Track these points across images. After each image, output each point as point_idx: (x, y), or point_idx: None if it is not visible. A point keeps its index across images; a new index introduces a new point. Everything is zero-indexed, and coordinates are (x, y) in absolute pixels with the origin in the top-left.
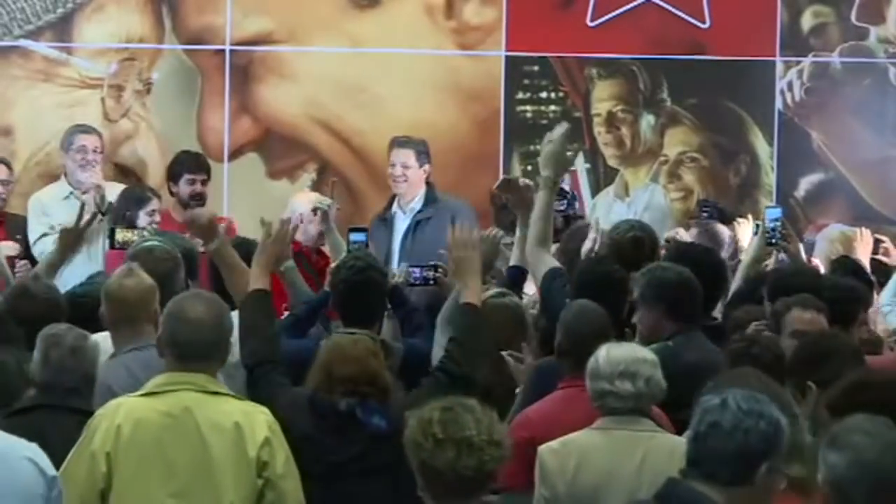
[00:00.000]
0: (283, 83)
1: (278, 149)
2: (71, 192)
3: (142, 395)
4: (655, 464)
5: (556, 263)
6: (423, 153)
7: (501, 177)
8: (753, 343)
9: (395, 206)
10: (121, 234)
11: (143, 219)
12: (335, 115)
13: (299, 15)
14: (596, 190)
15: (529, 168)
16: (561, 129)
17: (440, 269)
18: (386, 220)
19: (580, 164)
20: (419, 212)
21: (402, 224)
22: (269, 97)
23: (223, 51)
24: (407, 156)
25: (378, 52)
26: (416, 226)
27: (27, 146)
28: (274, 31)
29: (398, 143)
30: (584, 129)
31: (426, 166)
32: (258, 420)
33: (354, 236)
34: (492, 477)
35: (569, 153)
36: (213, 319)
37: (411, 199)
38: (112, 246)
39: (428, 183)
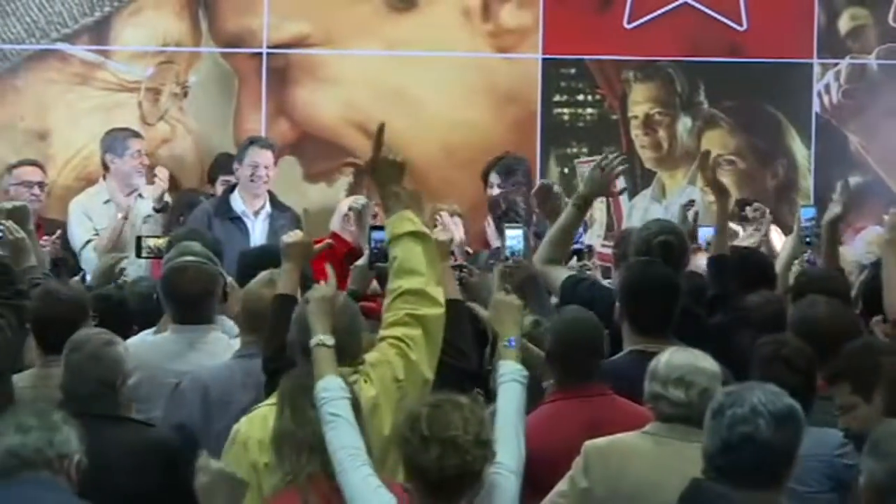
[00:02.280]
0: (319, 86)
1: (315, 152)
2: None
3: None
4: None
5: (568, 271)
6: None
7: (539, 181)
8: (783, 345)
9: (241, 207)
10: (149, 242)
11: None
12: (372, 117)
13: (336, 17)
14: (633, 193)
15: (566, 171)
16: (615, 160)
17: (465, 270)
18: (233, 218)
19: None
20: (273, 217)
21: (257, 227)
22: (306, 100)
23: (260, 54)
24: (269, 158)
25: (414, 54)
26: (275, 231)
27: (64, 150)
28: (311, 34)
29: (260, 143)
30: (620, 131)
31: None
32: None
33: (377, 234)
34: (478, 477)
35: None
36: (344, 323)
37: (262, 203)
38: (139, 255)
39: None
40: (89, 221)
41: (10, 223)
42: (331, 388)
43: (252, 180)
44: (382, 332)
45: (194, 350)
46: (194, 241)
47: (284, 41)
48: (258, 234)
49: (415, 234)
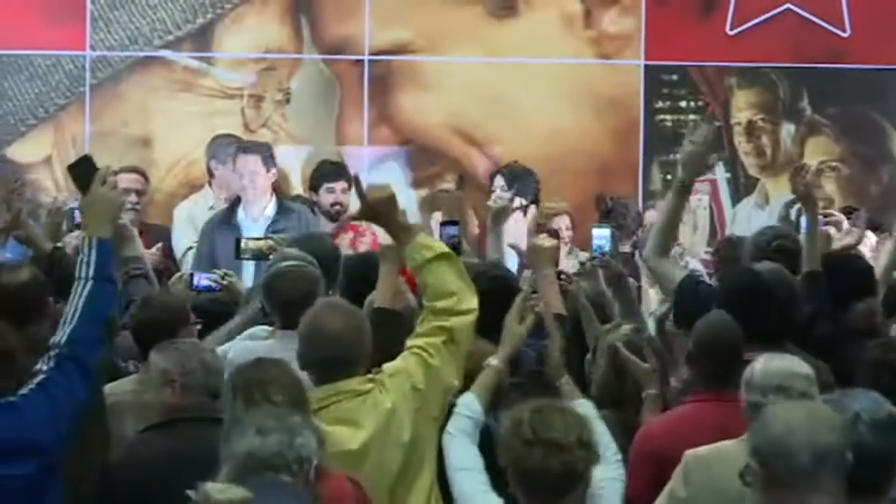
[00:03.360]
0: (421, 93)
1: (418, 158)
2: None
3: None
4: None
5: (683, 271)
6: (268, 157)
7: (640, 188)
8: (891, 349)
9: (241, 212)
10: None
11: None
12: (473, 124)
13: (438, 24)
14: (736, 199)
15: (668, 177)
16: (705, 129)
17: (563, 277)
18: (232, 226)
19: (720, 174)
20: (274, 221)
21: (254, 232)
22: (408, 106)
23: (362, 60)
24: (254, 162)
25: (515, 61)
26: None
27: (167, 156)
28: (412, 41)
29: (242, 149)
30: (724, 138)
31: (273, 171)
32: (387, 384)
33: (449, 229)
34: (582, 478)
35: (712, 156)
36: (352, 333)
37: (263, 207)
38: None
39: (274, 189)
40: (192, 229)
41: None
42: (467, 405)
43: (244, 187)
44: (408, 342)
45: None
46: (296, 247)
47: (386, 48)
48: None
49: (438, 257)
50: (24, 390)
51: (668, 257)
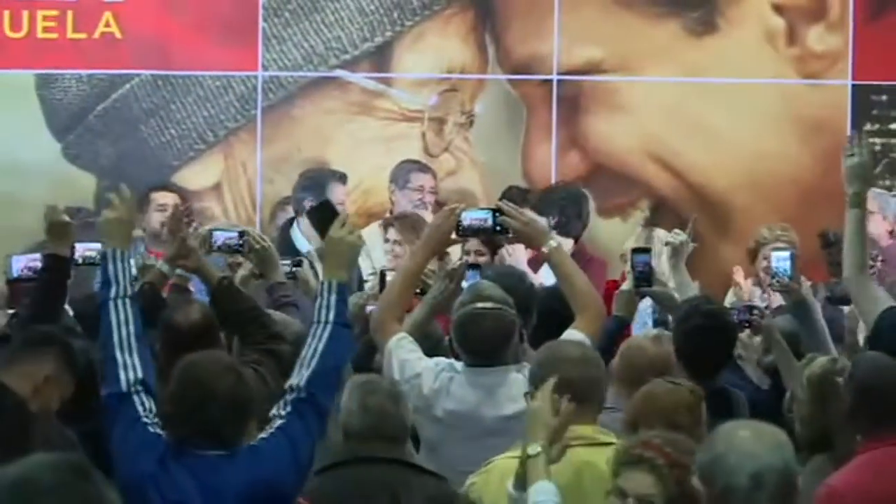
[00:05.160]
0: (614, 115)
1: (609, 184)
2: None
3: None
4: None
5: (889, 298)
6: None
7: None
8: None
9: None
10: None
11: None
12: (669, 148)
13: (631, 42)
14: None
15: None
16: (855, 141)
17: (756, 312)
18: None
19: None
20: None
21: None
22: (600, 130)
23: (550, 80)
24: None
25: (715, 81)
26: None
27: None
28: (604, 60)
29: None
30: None
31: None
32: None
33: (641, 257)
34: None
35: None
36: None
37: None
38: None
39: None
40: (367, 260)
41: (254, 231)
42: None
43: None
44: None
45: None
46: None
47: (576, 67)
48: None
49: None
50: (264, 434)
51: (866, 273)
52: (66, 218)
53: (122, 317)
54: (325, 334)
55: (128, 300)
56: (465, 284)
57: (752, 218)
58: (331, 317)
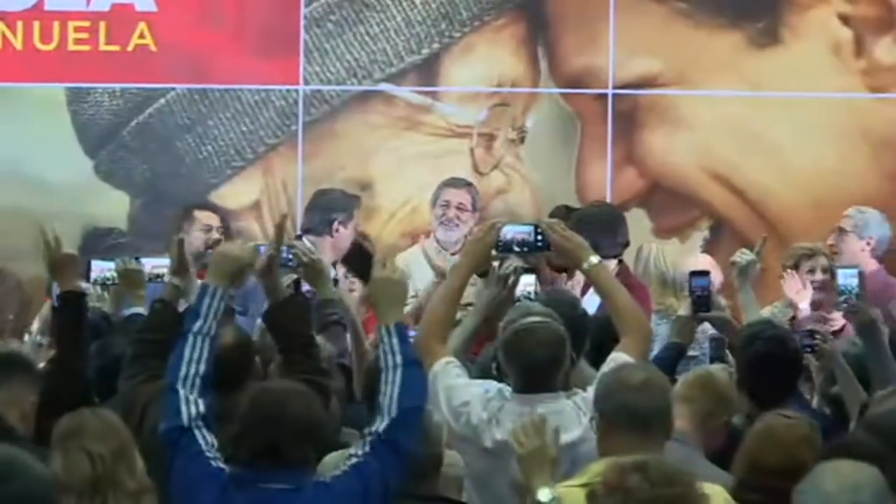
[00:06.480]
0: (672, 130)
1: (667, 203)
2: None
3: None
4: None
5: None
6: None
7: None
8: None
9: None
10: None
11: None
12: (730, 165)
13: (690, 54)
14: None
15: None
16: None
17: (818, 336)
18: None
19: None
20: None
21: None
22: (657, 146)
23: (605, 94)
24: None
25: (778, 95)
26: None
27: (387, 202)
28: (661, 73)
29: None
30: None
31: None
32: None
33: (699, 281)
34: None
35: None
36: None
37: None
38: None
39: None
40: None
41: (301, 244)
42: None
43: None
44: None
45: None
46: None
47: (632, 80)
48: None
49: None
50: (337, 472)
51: None
52: (68, 251)
53: (195, 354)
54: (398, 378)
55: (207, 339)
56: (518, 291)
57: (816, 239)
58: (398, 360)
